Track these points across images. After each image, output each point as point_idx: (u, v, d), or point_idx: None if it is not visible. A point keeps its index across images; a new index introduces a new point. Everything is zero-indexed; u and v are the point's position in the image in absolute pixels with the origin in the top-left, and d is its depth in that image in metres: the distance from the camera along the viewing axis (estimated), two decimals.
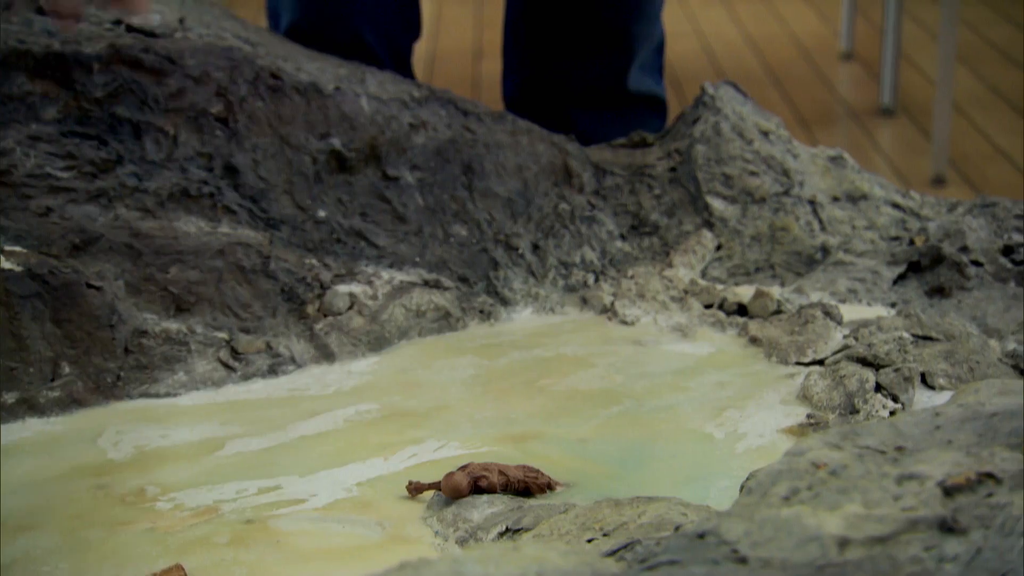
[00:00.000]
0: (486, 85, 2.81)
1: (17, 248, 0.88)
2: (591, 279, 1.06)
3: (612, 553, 0.58)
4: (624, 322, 1.00)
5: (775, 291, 1.01)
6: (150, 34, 1.01)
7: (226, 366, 0.91)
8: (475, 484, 0.76)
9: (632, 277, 1.05)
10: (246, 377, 0.92)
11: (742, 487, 0.62)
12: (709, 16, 3.33)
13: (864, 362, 0.86)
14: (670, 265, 1.06)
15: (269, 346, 0.93)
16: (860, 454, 0.54)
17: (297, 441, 0.84)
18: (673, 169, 1.12)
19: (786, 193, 1.09)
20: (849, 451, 0.54)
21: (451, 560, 0.48)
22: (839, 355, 0.89)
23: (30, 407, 0.84)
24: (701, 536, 0.52)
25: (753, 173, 1.10)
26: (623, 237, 1.10)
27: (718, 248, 1.07)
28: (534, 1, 1.44)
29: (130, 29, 1.01)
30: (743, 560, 0.50)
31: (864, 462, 0.53)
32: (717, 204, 1.09)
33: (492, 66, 2.67)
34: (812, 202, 1.09)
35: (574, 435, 0.85)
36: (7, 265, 0.86)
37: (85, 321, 0.88)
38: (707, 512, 0.65)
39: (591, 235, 1.09)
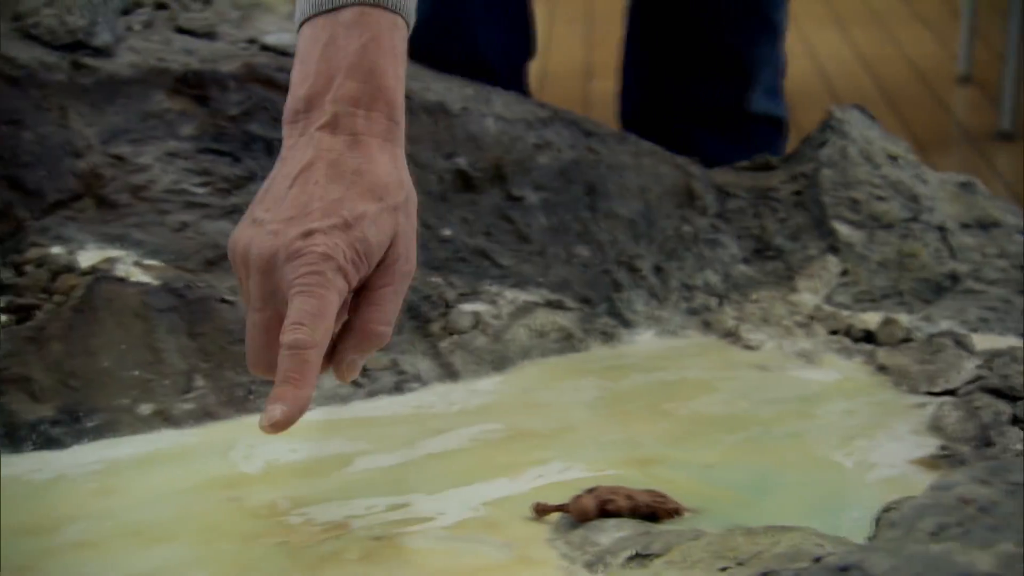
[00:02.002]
0: (596, 105, 2.81)
1: (154, 262, 0.90)
2: (714, 302, 1.05)
3: None
4: (748, 347, 1.00)
5: (903, 318, 0.99)
6: (283, 53, 1.03)
7: (353, 382, 0.92)
8: (602, 507, 0.75)
9: (756, 301, 1.04)
10: (372, 394, 0.93)
11: (877, 519, 0.61)
12: (823, 38, 3.30)
13: (999, 393, 0.85)
14: (794, 290, 1.05)
15: (395, 363, 0.94)
16: (1010, 491, 0.53)
17: (424, 459, 0.85)
18: (798, 193, 1.11)
19: (915, 219, 1.07)
20: (999, 487, 0.53)
21: None
22: (972, 386, 0.87)
23: (165, 419, 0.85)
24: (845, 570, 0.51)
25: (881, 198, 1.08)
26: (746, 261, 1.09)
27: (843, 274, 1.06)
28: (654, 22, 1.44)
29: (264, 48, 1.03)
30: None
31: (1015, 499, 0.52)
32: (843, 229, 1.08)
33: (602, 86, 2.67)
34: (941, 228, 1.07)
35: (700, 460, 0.84)
36: (145, 279, 0.88)
37: (218, 335, 0.89)
38: (843, 544, 0.64)
39: (714, 258, 1.08)
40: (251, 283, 0.72)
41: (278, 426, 0.67)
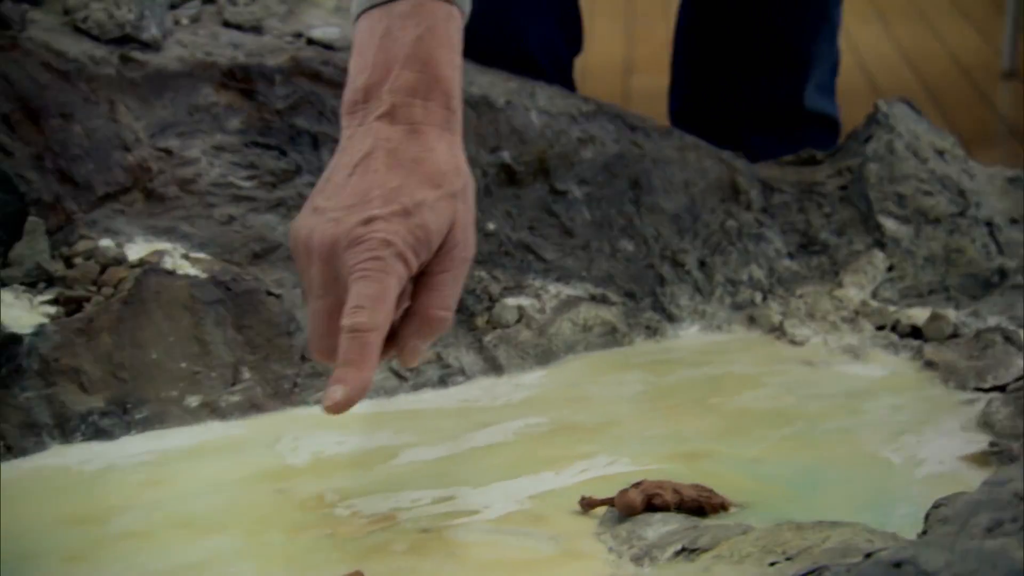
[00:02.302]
0: (637, 101, 2.80)
1: (202, 255, 0.91)
2: (759, 297, 1.04)
3: None
4: (793, 342, 0.99)
5: (950, 314, 0.98)
6: (329, 47, 1.03)
7: (398, 376, 0.92)
8: (649, 501, 0.75)
9: (801, 296, 1.04)
10: (417, 387, 0.93)
11: (927, 515, 0.61)
12: (866, 33, 3.27)
13: None
14: (840, 285, 1.04)
15: (440, 357, 0.94)
16: None
17: (469, 452, 0.85)
18: (844, 187, 1.10)
19: (962, 214, 1.06)
20: None
21: None
22: (1021, 382, 0.87)
23: (212, 410, 0.86)
24: (897, 565, 0.51)
25: (928, 193, 1.07)
26: (791, 255, 1.08)
27: (890, 269, 1.05)
28: (710, 15, 1.43)
29: (311, 42, 1.03)
30: None
31: None
32: (889, 224, 1.07)
33: (643, 81, 2.66)
34: (989, 223, 1.06)
35: (746, 455, 0.84)
36: (192, 272, 0.89)
37: (265, 328, 0.90)
38: (894, 540, 0.63)
39: (759, 253, 1.08)
40: (312, 271, 0.72)
41: (339, 407, 0.68)
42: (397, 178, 0.72)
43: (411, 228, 0.71)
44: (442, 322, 0.74)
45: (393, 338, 0.73)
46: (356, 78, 0.76)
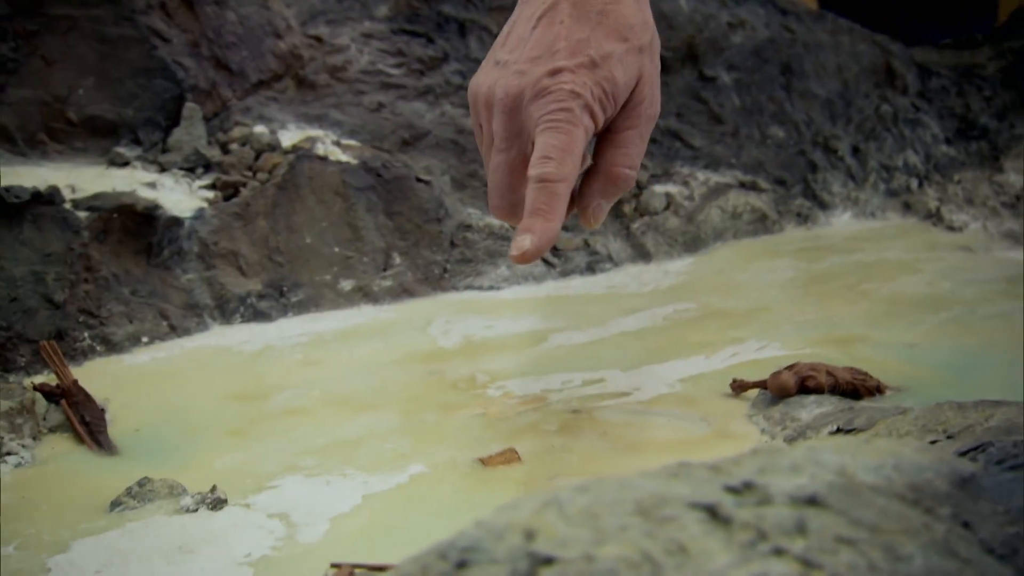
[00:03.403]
0: None
1: (352, 142, 0.91)
2: (914, 183, 1.02)
3: (964, 453, 0.56)
4: (951, 228, 0.96)
5: None
6: None
7: (546, 262, 0.93)
8: (803, 384, 0.74)
9: (959, 182, 1.01)
10: (565, 273, 0.93)
11: None
12: None
13: None
14: (1000, 170, 1.01)
15: (587, 244, 0.94)
16: None
17: (618, 336, 0.85)
18: (1005, 69, 1.06)
19: None
20: None
21: (808, 448, 0.48)
22: None
23: (365, 295, 0.87)
24: None
25: None
26: (948, 141, 1.05)
27: None
28: None
29: None
30: None
31: None
32: None
33: None
34: None
35: (901, 340, 0.82)
36: (344, 158, 0.90)
37: (415, 214, 0.90)
38: None
39: (915, 138, 1.05)
40: (495, 124, 0.70)
41: (526, 256, 0.65)
42: (583, 30, 0.70)
43: (598, 80, 0.68)
44: (627, 180, 0.71)
45: (574, 198, 0.72)
46: None
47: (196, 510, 0.60)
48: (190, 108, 0.88)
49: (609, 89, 0.69)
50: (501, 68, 0.71)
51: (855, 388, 0.75)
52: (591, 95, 0.69)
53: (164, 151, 0.87)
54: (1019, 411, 0.63)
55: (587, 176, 0.72)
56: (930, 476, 0.47)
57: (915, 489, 0.46)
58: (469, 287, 0.90)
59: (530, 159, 0.67)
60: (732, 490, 0.43)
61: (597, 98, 0.69)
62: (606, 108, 0.70)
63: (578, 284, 0.92)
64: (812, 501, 0.43)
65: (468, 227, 0.92)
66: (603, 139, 0.71)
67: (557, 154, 0.67)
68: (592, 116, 0.68)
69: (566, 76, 0.69)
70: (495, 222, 0.93)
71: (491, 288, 0.90)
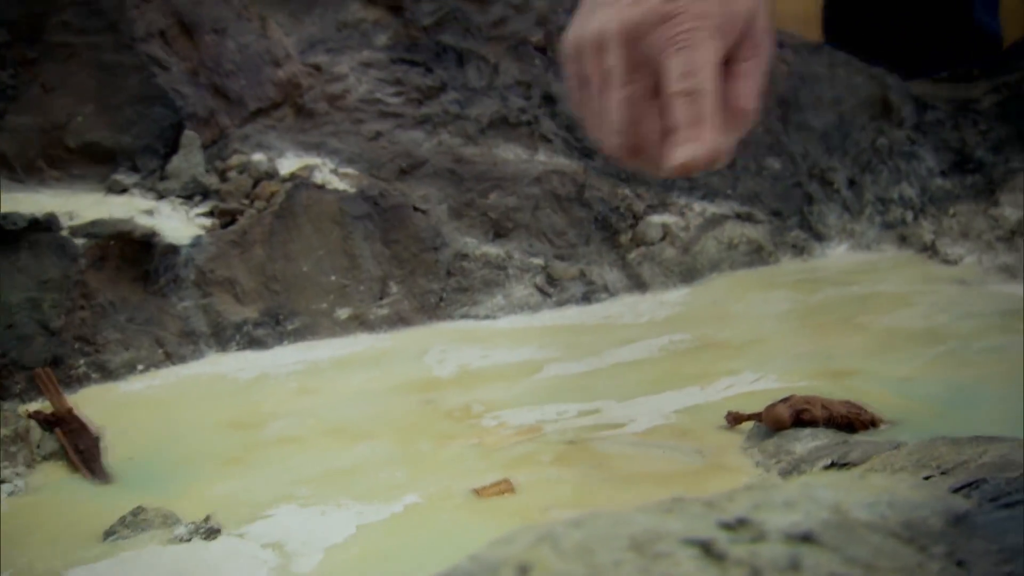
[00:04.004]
0: (781, 22, 2.74)
1: (350, 170, 0.92)
2: (910, 216, 1.02)
3: (958, 490, 0.56)
4: (946, 261, 0.97)
5: None
6: None
7: (542, 292, 0.93)
8: (798, 416, 0.74)
9: (954, 215, 1.01)
10: (561, 303, 0.93)
11: None
12: None
13: None
14: (996, 204, 1.01)
15: (583, 273, 0.94)
16: None
17: (613, 367, 0.85)
18: (1001, 104, 1.07)
19: None
20: None
21: (802, 484, 0.48)
22: None
23: (361, 323, 0.87)
24: None
25: None
26: (944, 174, 1.06)
27: None
28: None
29: None
30: None
31: None
32: None
33: (788, 5, 2.60)
34: None
35: (896, 373, 0.82)
36: (341, 186, 0.90)
37: (411, 243, 0.90)
38: None
39: (910, 171, 1.05)
40: (612, 60, 0.67)
41: (688, 167, 0.63)
42: None
43: (720, 2, 0.65)
44: (749, 115, 0.67)
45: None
46: None
47: (190, 540, 0.59)
48: (188, 136, 0.88)
49: (730, 13, 0.66)
50: (608, 7, 0.67)
51: (850, 422, 0.75)
52: (715, 17, 0.65)
53: (162, 178, 0.87)
54: (1014, 447, 0.63)
55: None
56: (925, 514, 0.47)
57: (909, 527, 0.46)
58: (465, 316, 0.90)
59: (656, 90, 0.65)
60: (726, 526, 0.43)
61: (719, 23, 0.65)
62: (727, 34, 0.66)
63: (574, 314, 0.92)
64: (806, 538, 0.43)
65: (464, 256, 0.92)
66: (724, 72, 0.67)
67: (699, 68, 0.64)
68: (719, 39, 0.65)
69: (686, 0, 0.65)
70: (492, 251, 0.93)
71: (487, 317, 0.90)
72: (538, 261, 0.94)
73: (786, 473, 0.71)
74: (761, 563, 0.41)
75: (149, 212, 0.84)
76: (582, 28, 0.70)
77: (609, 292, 0.94)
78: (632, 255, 0.97)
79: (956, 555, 0.44)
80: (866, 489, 0.49)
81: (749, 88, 0.67)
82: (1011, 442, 0.64)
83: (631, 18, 0.67)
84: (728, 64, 0.67)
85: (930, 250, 0.98)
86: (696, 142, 0.63)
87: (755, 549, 0.42)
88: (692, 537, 0.42)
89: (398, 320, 0.88)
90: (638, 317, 0.92)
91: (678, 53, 0.65)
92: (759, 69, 0.68)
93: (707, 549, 0.42)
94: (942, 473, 0.63)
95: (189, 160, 0.87)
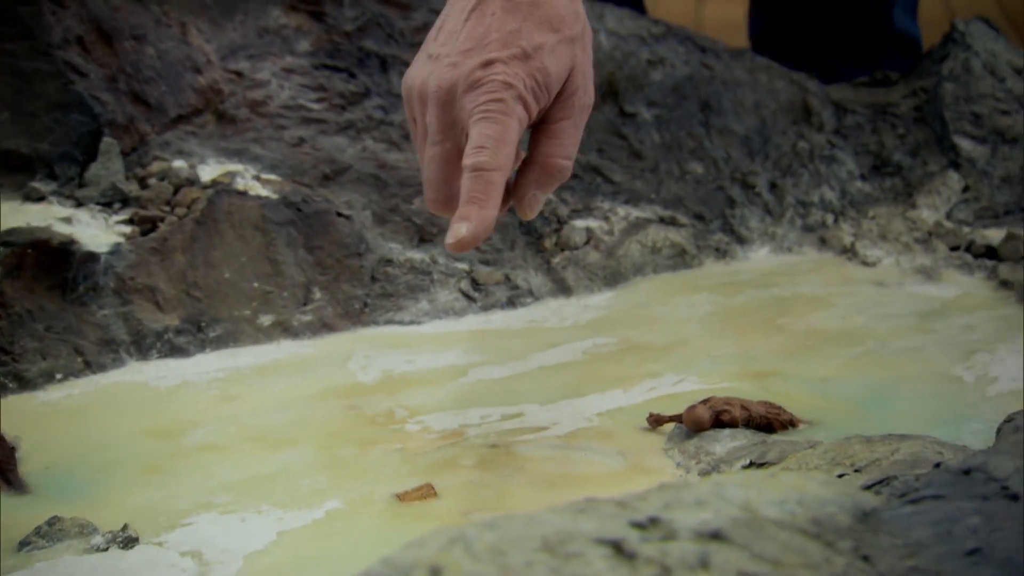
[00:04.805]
0: (709, 27, 2.76)
1: (272, 177, 0.92)
2: (830, 219, 1.04)
3: (868, 487, 0.57)
4: (865, 263, 0.98)
5: None
6: None
7: (467, 296, 0.93)
8: (717, 417, 0.75)
9: (873, 218, 1.03)
10: (486, 308, 0.93)
11: (999, 429, 0.60)
12: None
13: None
14: (914, 206, 1.03)
15: (508, 278, 0.95)
16: None
17: (537, 371, 0.85)
18: (918, 108, 1.09)
19: None
20: None
21: (713, 483, 0.48)
22: None
23: (284, 330, 0.87)
24: (967, 472, 0.50)
25: (1005, 112, 1.05)
26: (863, 177, 1.07)
27: (965, 190, 1.04)
28: None
29: None
30: (1014, 497, 0.48)
31: None
32: (965, 144, 1.05)
33: (715, 10, 2.63)
34: None
35: (815, 374, 0.83)
36: (264, 193, 0.90)
37: (335, 249, 0.90)
38: (964, 451, 0.63)
39: (830, 174, 1.07)
40: (429, 117, 0.70)
41: (462, 244, 0.66)
42: (514, 21, 0.70)
43: (531, 71, 0.68)
44: (562, 171, 0.71)
45: (509, 190, 0.71)
46: None
47: (107, 549, 0.59)
48: (107, 143, 0.87)
49: (542, 80, 0.69)
50: (434, 61, 0.71)
51: (769, 422, 0.76)
52: (524, 86, 0.69)
53: (81, 186, 0.87)
54: (924, 444, 0.64)
55: (522, 168, 0.72)
56: (833, 510, 0.48)
57: (817, 523, 0.46)
58: (390, 322, 0.90)
59: (464, 151, 0.67)
60: (638, 525, 0.44)
61: (530, 89, 0.68)
62: (539, 99, 0.69)
63: (499, 318, 0.93)
64: (716, 536, 0.44)
65: (389, 262, 0.92)
66: (537, 130, 0.71)
67: (491, 143, 0.67)
68: (526, 107, 0.68)
69: (498, 67, 0.69)
70: (416, 256, 0.93)
71: (412, 323, 0.91)
72: (463, 266, 0.95)
73: (705, 473, 0.72)
74: (671, 561, 0.42)
75: (67, 220, 0.84)
76: (412, 76, 0.73)
77: (534, 296, 0.95)
78: (557, 259, 0.97)
79: (862, 550, 0.45)
80: (776, 487, 0.50)
81: (563, 146, 0.71)
82: (922, 439, 0.65)
83: (447, 80, 0.70)
84: (544, 123, 0.71)
85: (849, 252, 0.99)
86: (467, 221, 0.66)
87: (665, 547, 0.42)
88: (603, 537, 0.43)
89: (322, 326, 0.88)
90: (563, 321, 0.93)
91: (477, 124, 0.69)
92: (575, 127, 0.71)
93: (618, 548, 0.42)
94: (855, 471, 0.64)
95: (108, 167, 0.86)
